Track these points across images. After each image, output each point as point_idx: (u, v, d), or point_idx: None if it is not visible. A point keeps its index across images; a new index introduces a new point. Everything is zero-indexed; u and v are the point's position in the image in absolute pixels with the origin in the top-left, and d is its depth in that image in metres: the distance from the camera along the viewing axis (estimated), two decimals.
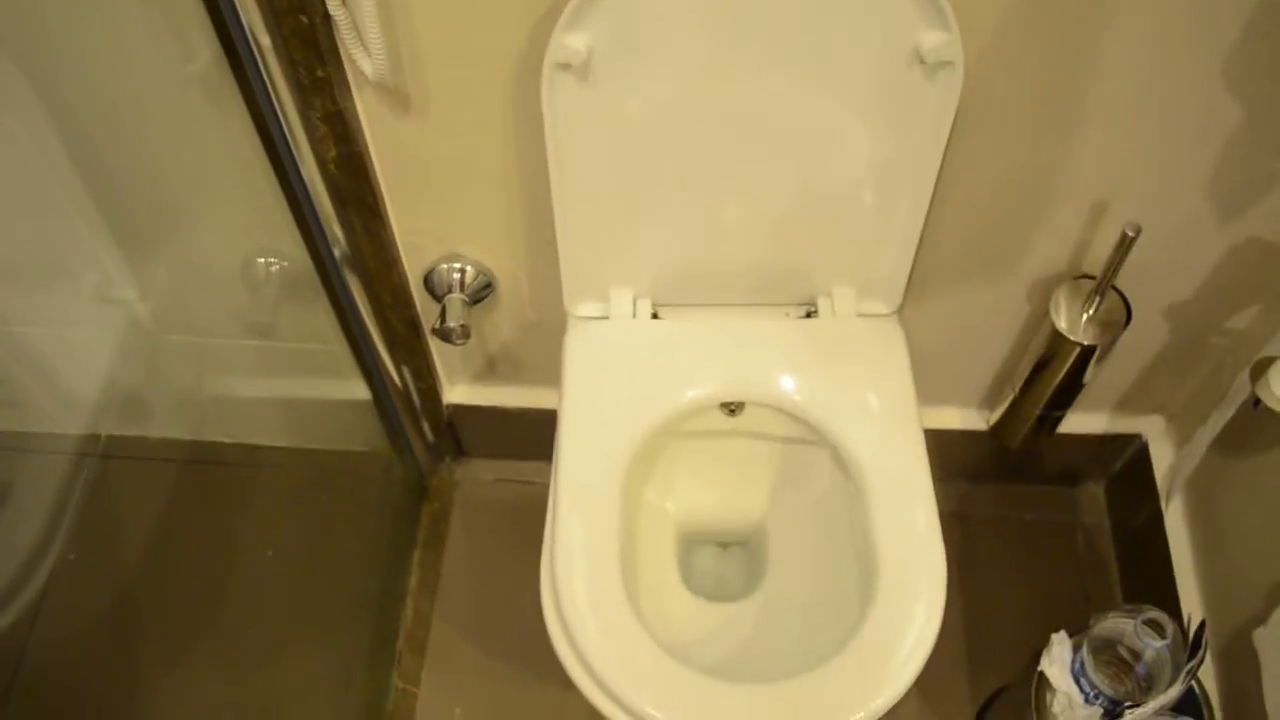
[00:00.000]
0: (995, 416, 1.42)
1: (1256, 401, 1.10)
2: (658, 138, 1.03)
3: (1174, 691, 1.11)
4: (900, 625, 1.01)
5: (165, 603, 1.35)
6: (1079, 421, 1.48)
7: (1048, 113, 1.03)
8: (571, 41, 0.93)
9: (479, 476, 1.62)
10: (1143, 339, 1.32)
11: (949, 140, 1.02)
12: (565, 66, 0.95)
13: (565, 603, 1.01)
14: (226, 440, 1.52)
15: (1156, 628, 1.14)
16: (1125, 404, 1.46)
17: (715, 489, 1.31)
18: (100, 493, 1.35)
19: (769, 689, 0.98)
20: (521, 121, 1.06)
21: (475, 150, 1.11)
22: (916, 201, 1.08)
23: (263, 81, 1.00)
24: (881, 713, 0.97)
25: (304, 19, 0.94)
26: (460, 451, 1.62)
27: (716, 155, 1.05)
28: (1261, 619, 1.18)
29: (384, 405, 1.48)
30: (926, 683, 1.47)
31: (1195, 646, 1.14)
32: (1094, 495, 1.63)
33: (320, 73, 1.00)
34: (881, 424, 1.14)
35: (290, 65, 0.99)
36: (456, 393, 1.50)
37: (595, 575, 1.03)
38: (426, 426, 1.53)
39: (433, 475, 1.61)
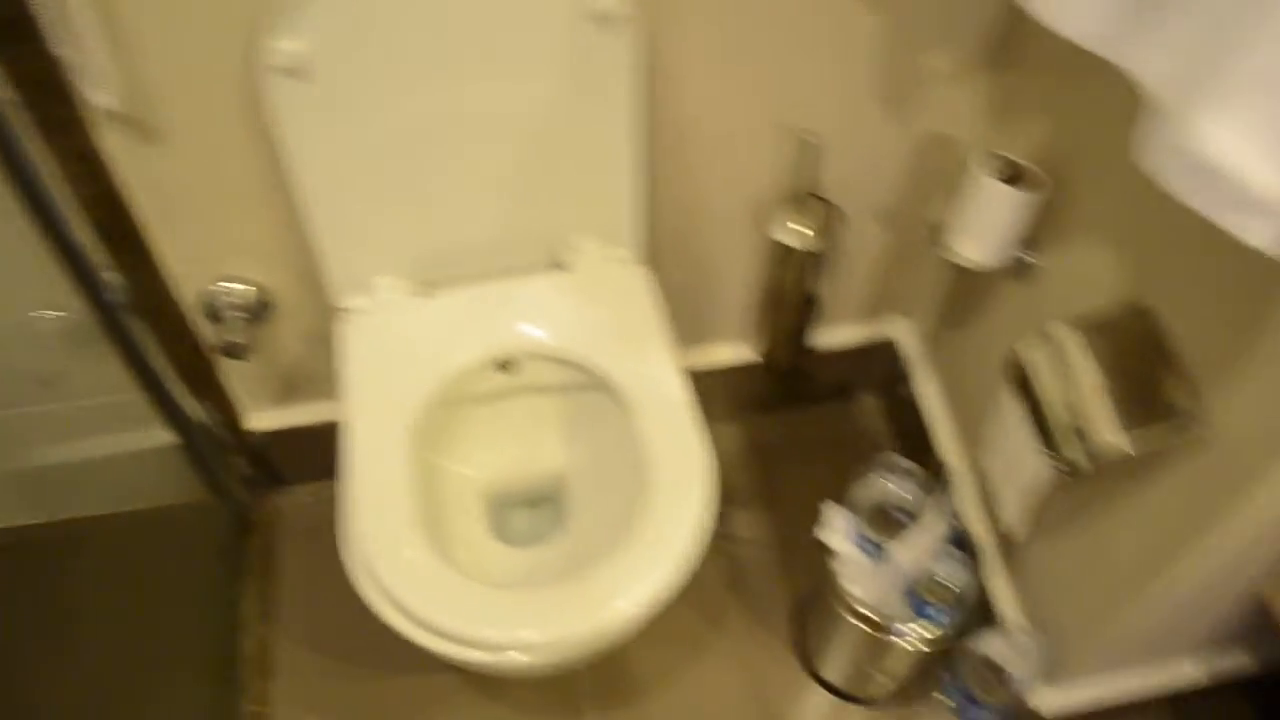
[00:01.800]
0: (760, 343, 1.56)
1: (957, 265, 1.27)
2: (386, 130, 1.14)
3: (930, 522, 1.26)
4: (678, 515, 1.12)
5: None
6: (835, 335, 1.65)
7: (729, 46, 1.19)
8: (287, 46, 1.03)
9: (300, 500, 1.67)
10: (865, 245, 1.49)
11: (651, 87, 1.16)
12: (286, 71, 1.05)
13: (361, 544, 1.10)
14: (33, 521, 1.52)
15: (908, 474, 1.29)
16: (870, 312, 1.64)
17: (512, 449, 1.40)
18: None
19: (557, 587, 1.08)
20: (258, 132, 1.15)
21: (222, 168, 1.19)
22: (632, 149, 1.22)
23: (5, 130, 1.05)
24: (666, 590, 1.08)
25: (38, 63, 1.01)
26: (278, 479, 1.67)
27: (443, 138, 1.17)
28: None
29: (193, 447, 1.51)
30: (747, 596, 1.60)
31: (942, 484, 1.30)
32: (868, 402, 1.81)
33: (62, 112, 1.07)
34: (638, 351, 1.25)
35: (30, 108, 1.05)
36: (262, 419, 1.56)
37: (387, 518, 1.11)
38: (239, 460, 1.58)
39: (255, 508, 1.65)
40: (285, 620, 1.57)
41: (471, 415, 1.35)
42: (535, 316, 1.28)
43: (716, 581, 1.61)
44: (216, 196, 1.22)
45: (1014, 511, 1.17)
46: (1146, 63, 0.78)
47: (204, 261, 1.30)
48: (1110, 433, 0.98)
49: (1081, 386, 1.01)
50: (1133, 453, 0.97)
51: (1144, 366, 1.02)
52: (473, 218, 1.26)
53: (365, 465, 1.16)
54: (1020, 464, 1.13)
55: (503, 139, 1.19)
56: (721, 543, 1.65)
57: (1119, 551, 1.15)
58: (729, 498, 1.70)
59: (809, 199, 1.35)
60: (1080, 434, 1.01)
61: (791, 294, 1.41)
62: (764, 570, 1.63)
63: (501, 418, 1.38)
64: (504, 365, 1.30)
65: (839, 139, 1.30)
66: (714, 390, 1.68)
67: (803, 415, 1.78)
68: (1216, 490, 0.98)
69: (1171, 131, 0.71)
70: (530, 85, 1.14)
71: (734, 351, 1.64)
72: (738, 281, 1.52)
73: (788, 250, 1.35)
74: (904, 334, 1.65)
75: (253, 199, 1.23)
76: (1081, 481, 1.06)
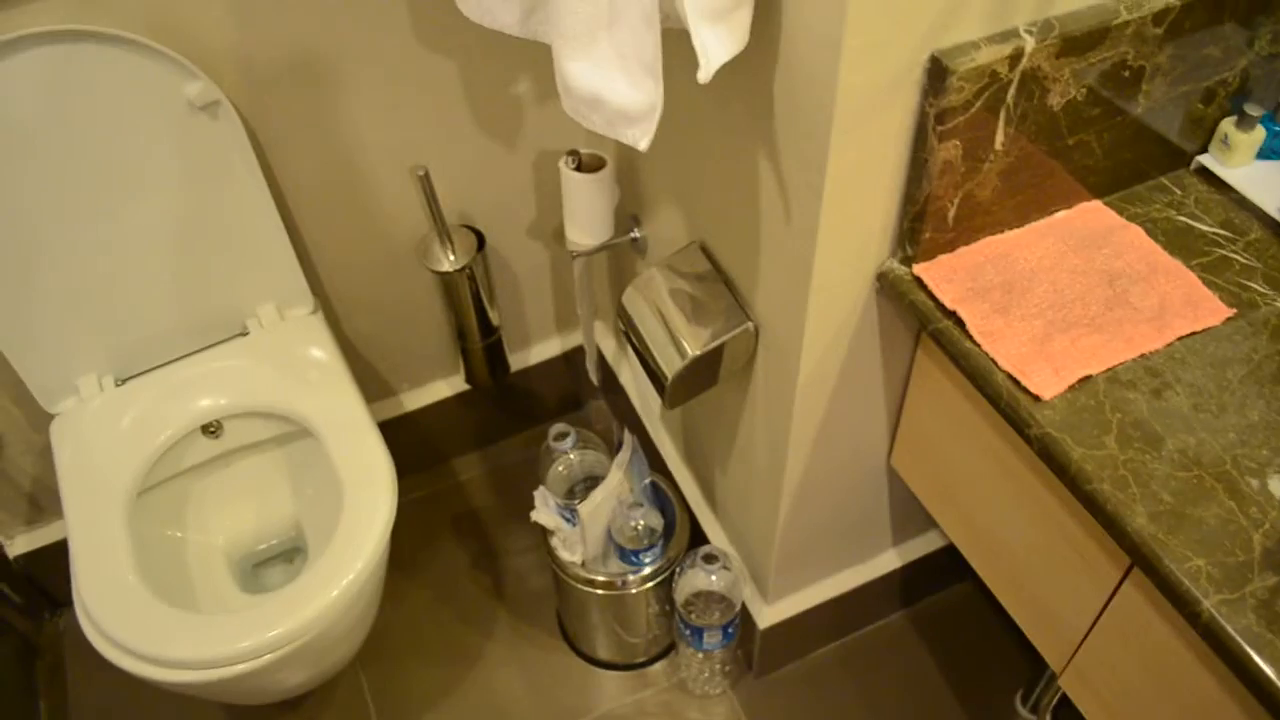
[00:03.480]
0: (464, 371, 1.72)
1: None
2: (50, 259, 1.29)
3: (613, 481, 1.43)
4: (368, 515, 1.28)
5: None
6: (543, 351, 1.82)
7: (323, 108, 1.36)
8: None
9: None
10: (532, 263, 1.67)
11: (271, 158, 1.33)
12: None
13: (94, 611, 1.21)
14: None
15: (588, 444, 1.46)
16: (564, 324, 1.81)
17: (245, 508, 1.53)
18: None
19: (278, 595, 1.21)
20: None
21: None
22: (274, 217, 1.38)
23: None
24: (366, 574, 1.23)
25: None
26: (55, 602, 1.75)
27: (108, 253, 1.32)
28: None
29: None
30: (515, 603, 1.73)
31: (630, 446, 1.47)
32: (598, 407, 1.98)
33: None
34: (324, 390, 1.41)
35: None
36: (19, 544, 1.65)
37: (113, 583, 1.23)
38: (5, 588, 1.66)
39: (38, 633, 1.73)
40: None
41: (199, 486, 1.48)
42: (223, 379, 1.42)
43: (484, 596, 1.75)
44: None
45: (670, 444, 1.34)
46: (543, 35, 1.03)
47: None
48: (688, 341, 1.16)
49: (668, 313, 1.20)
50: (699, 352, 1.15)
51: (709, 286, 1.21)
52: (156, 310, 1.40)
53: (83, 540, 1.27)
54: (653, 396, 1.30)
55: (162, 239, 1.34)
56: (482, 560, 1.79)
57: (757, 457, 1.33)
58: (484, 518, 1.85)
59: (459, 229, 1.52)
60: (678, 351, 1.19)
61: (467, 319, 1.58)
62: (526, 576, 1.77)
63: (227, 482, 1.51)
64: (211, 430, 1.43)
65: (463, 172, 1.49)
66: (450, 425, 1.84)
67: (540, 431, 1.94)
68: (782, 371, 1.16)
69: (562, 77, 0.91)
70: (169, 186, 1.30)
71: (449, 385, 1.80)
72: (430, 319, 1.68)
73: (450, 279, 1.51)
74: (602, 334, 1.83)
75: None
76: (680, 398, 1.24)
